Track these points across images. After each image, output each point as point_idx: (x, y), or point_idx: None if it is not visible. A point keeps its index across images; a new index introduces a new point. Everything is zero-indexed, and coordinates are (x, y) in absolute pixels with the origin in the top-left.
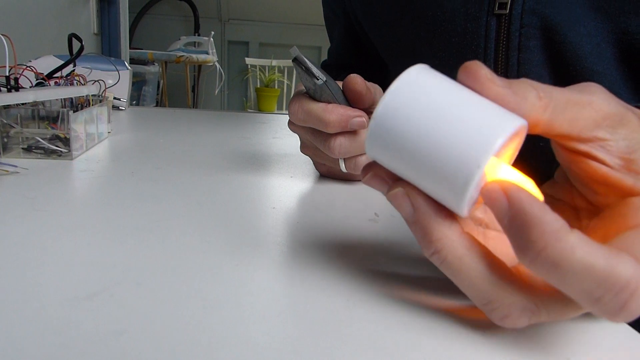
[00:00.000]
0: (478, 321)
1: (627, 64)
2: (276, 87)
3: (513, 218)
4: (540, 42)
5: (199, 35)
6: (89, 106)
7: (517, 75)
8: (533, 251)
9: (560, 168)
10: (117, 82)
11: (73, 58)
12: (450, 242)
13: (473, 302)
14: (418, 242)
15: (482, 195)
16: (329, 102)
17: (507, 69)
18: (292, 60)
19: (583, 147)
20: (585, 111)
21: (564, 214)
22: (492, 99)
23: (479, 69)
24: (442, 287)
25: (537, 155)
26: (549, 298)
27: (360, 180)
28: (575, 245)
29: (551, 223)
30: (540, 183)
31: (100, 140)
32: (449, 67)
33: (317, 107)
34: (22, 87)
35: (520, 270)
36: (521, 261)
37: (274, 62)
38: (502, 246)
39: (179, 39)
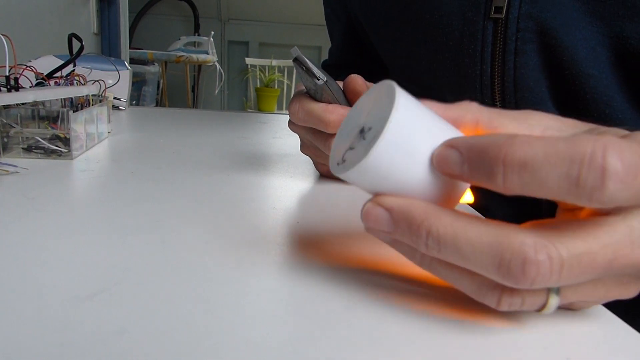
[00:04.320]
0: (478, 322)
1: (622, 68)
2: (276, 87)
3: (470, 159)
4: (536, 46)
5: (199, 35)
6: (89, 106)
7: (514, 79)
8: (500, 167)
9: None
10: (117, 82)
11: (73, 58)
12: (436, 215)
13: (487, 276)
14: (409, 241)
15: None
16: (330, 102)
17: (504, 72)
18: (293, 61)
19: None
20: (530, 116)
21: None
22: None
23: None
24: (442, 287)
25: None
26: (556, 230)
27: None
28: (529, 139)
29: (499, 138)
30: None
31: (100, 140)
32: (447, 70)
33: (318, 107)
34: (22, 87)
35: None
36: (496, 188)
37: (274, 62)
38: None
39: (179, 39)
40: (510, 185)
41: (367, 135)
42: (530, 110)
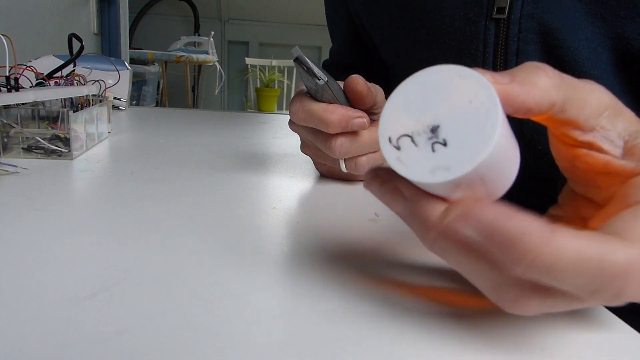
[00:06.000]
0: (478, 323)
1: (624, 69)
2: (276, 87)
3: (490, 238)
4: (538, 47)
5: (199, 35)
6: (89, 106)
7: None
8: (523, 265)
9: (563, 189)
10: (117, 82)
11: (73, 58)
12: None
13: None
14: (418, 229)
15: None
16: (330, 102)
17: None
18: (294, 60)
19: (587, 137)
20: (592, 96)
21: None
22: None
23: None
24: (442, 287)
25: (537, 157)
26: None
27: (360, 181)
28: (563, 246)
29: (533, 232)
30: (543, 188)
31: (100, 140)
32: None
33: (318, 107)
34: (22, 87)
35: None
36: (511, 273)
37: (274, 62)
38: None
39: (179, 39)
40: (525, 277)
41: (438, 139)
42: (624, 108)
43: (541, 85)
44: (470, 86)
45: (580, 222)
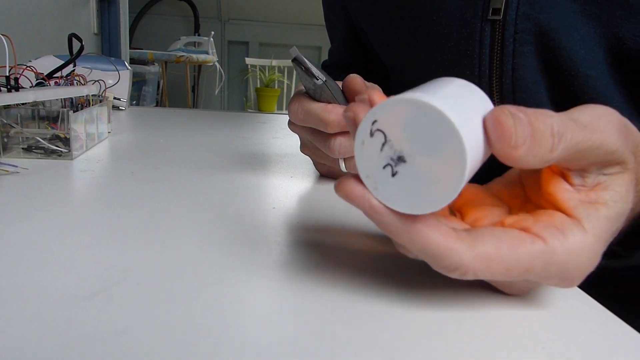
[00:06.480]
0: (478, 323)
1: (620, 68)
2: (276, 87)
3: (371, 218)
4: (534, 48)
5: (199, 35)
6: (89, 106)
7: (512, 81)
8: (397, 240)
9: (512, 171)
10: (117, 82)
11: (73, 58)
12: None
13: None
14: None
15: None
16: (329, 102)
17: (502, 74)
18: (292, 61)
19: (566, 171)
20: (592, 154)
21: (492, 212)
22: (505, 157)
23: (505, 127)
24: (442, 288)
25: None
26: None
27: None
28: (415, 234)
29: (395, 222)
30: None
31: (100, 140)
32: (445, 72)
33: (317, 107)
34: (22, 87)
35: None
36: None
37: (274, 62)
38: None
39: (179, 39)
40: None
41: (394, 168)
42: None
43: (540, 157)
44: (452, 167)
45: (504, 209)
